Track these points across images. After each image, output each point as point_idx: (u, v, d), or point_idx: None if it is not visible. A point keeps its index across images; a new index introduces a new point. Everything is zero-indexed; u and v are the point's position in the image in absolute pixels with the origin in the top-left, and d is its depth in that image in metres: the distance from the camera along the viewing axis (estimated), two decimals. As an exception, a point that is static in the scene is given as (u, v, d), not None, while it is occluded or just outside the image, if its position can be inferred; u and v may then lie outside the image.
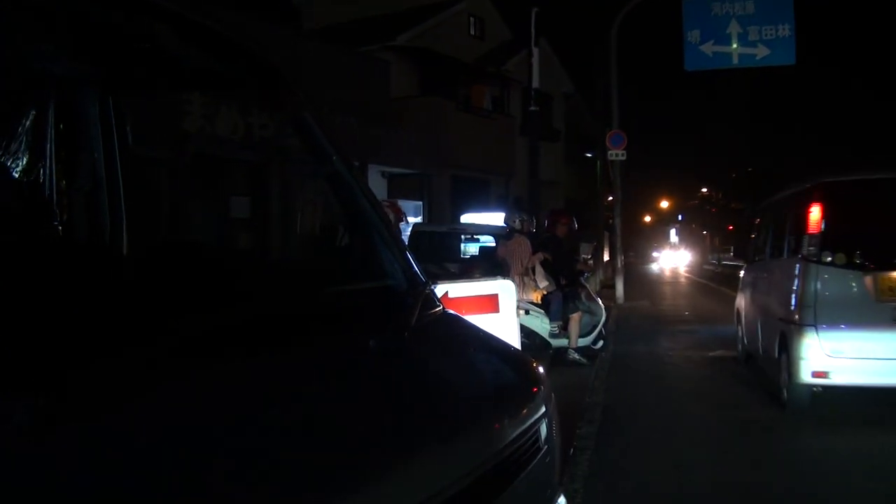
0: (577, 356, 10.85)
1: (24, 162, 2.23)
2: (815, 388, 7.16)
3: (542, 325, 10.68)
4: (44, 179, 2.27)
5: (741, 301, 10.54)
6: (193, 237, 2.25)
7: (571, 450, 6.24)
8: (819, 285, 7.00)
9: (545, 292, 10.83)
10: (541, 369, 2.30)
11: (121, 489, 1.14)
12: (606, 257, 29.77)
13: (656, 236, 51.11)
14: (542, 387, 2.16)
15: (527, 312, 8.82)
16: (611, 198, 26.85)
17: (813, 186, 7.53)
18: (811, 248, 7.21)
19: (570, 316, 10.82)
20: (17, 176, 2.22)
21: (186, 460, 1.25)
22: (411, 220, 16.64)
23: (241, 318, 1.73)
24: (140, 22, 2.17)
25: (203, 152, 2.34)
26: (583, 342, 11.01)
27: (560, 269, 11.21)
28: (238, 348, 1.61)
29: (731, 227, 49.62)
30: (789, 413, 7.49)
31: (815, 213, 7.23)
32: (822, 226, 7.12)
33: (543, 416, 2.04)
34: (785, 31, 19.09)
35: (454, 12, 28.48)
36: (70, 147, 2.31)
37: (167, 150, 2.48)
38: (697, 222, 59.34)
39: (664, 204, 70.57)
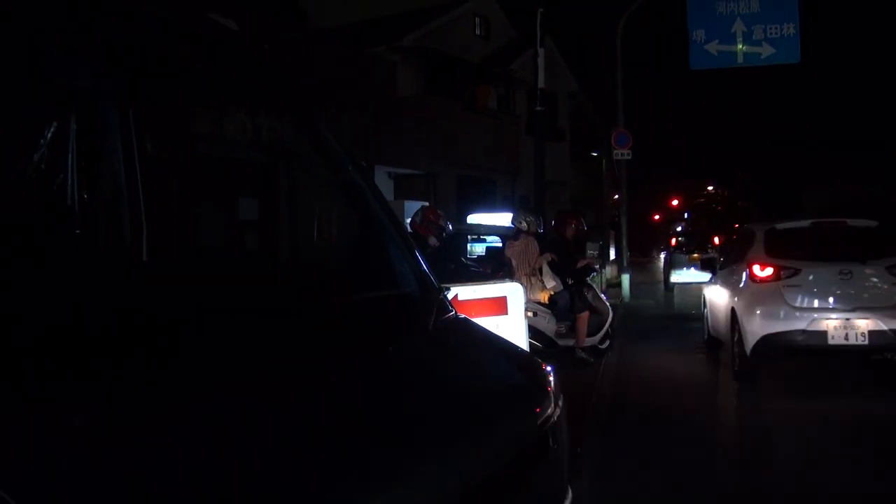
0: (584, 355, 10.89)
1: (47, 172, 2.29)
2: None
3: (548, 325, 10.72)
4: (65, 188, 2.33)
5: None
6: (211, 244, 2.30)
7: (578, 449, 6.28)
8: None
9: (552, 292, 10.87)
10: (550, 371, 2.35)
11: (168, 485, 1.20)
12: (612, 256, 29.76)
13: (664, 234, 50.96)
14: (552, 388, 2.22)
15: (534, 314, 8.87)
16: (616, 196, 26.87)
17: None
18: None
19: (577, 315, 10.85)
20: (39, 185, 2.28)
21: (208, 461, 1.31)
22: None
23: (262, 328, 1.78)
24: (159, 33, 2.23)
25: (220, 159, 2.40)
26: (589, 341, 11.05)
27: (567, 270, 11.24)
28: (259, 358, 1.66)
29: (736, 226, 49.52)
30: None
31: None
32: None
33: (553, 416, 2.09)
34: (790, 29, 19.05)
35: (460, 13, 28.47)
36: (91, 157, 2.37)
37: (185, 157, 2.53)
38: (704, 220, 59.24)
39: (674, 202, 70.43)
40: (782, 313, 9.39)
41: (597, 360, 11.08)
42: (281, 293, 2.03)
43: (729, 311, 10.49)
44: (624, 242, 24.64)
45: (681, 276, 25.24)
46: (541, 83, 17.17)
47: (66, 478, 1.15)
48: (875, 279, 9.43)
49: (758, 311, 9.60)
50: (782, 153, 50.75)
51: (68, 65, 2.21)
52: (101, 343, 1.52)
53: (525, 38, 24.10)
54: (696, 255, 24.65)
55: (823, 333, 9.13)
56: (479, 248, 14.68)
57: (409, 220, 9.63)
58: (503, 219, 14.97)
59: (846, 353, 9.42)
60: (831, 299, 9.33)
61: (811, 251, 9.84)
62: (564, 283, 11.06)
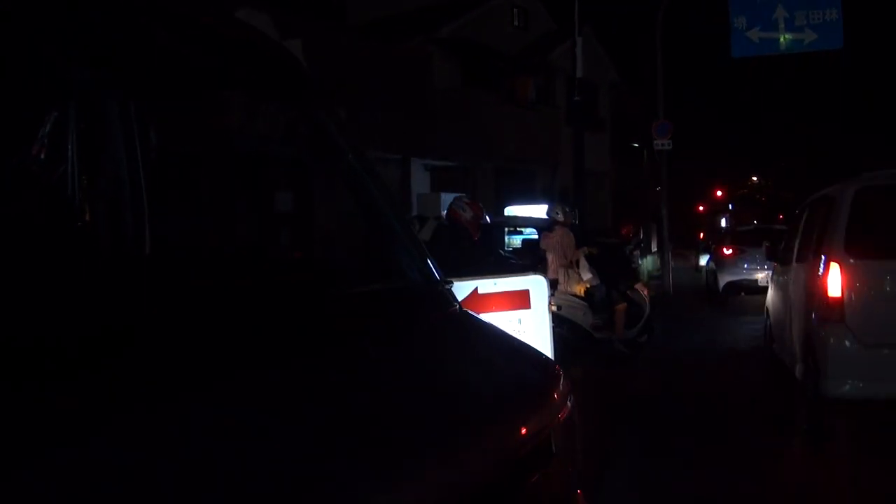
0: (622, 348, 10.76)
1: (48, 165, 2.26)
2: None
3: (585, 317, 10.59)
4: (67, 182, 2.30)
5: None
6: (211, 236, 2.26)
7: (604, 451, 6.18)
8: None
9: (589, 285, 10.74)
10: (559, 370, 2.26)
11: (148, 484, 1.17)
12: (654, 248, 29.49)
13: (709, 226, 50.46)
14: (558, 390, 2.12)
15: (558, 308, 8.66)
16: (658, 188, 26.60)
17: None
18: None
19: (615, 308, 10.72)
20: (41, 179, 2.26)
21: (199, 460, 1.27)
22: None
23: (260, 321, 1.73)
24: (157, 23, 2.18)
25: (222, 152, 2.35)
26: (628, 334, 10.91)
27: (613, 267, 11.18)
28: (256, 351, 1.61)
29: (780, 217, 48.96)
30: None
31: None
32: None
33: (557, 421, 2.00)
34: (832, 14, 18.70)
35: (497, 3, 28.31)
36: (92, 150, 2.34)
37: (188, 150, 2.49)
38: (748, 212, 58.56)
39: (718, 193, 69.75)
40: None
41: (635, 353, 10.94)
42: (281, 286, 1.97)
43: None
44: (665, 235, 24.32)
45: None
46: (579, 72, 17.05)
47: (60, 473, 1.13)
48: None
49: None
50: (827, 142, 49.85)
51: (68, 56, 2.18)
52: (101, 337, 1.48)
53: (564, 29, 23.98)
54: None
55: None
56: (515, 241, 14.59)
57: (444, 213, 9.48)
58: (540, 210, 14.86)
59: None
60: None
61: None
62: (602, 275, 10.93)
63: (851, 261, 6.58)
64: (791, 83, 51.15)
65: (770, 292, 10.32)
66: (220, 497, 1.23)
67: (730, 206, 64.92)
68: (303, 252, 2.28)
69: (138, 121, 2.34)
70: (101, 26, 2.09)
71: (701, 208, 67.96)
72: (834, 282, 6.56)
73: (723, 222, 49.54)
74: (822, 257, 6.81)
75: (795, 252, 8.47)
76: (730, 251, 20.06)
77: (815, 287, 6.95)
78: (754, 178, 69.97)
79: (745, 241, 18.92)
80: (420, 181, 22.47)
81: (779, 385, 8.59)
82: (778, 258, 9.80)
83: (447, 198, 19.69)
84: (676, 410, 7.88)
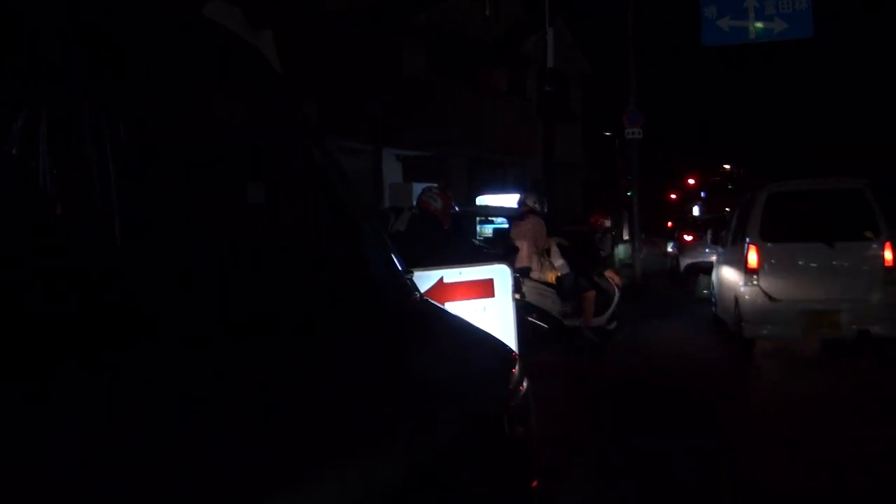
0: (591, 335, 10.89)
1: (19, 158, 2.30)
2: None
3: (554, 305, 10.71)
4: (37, 175, 2.34)
5: None
6: (178, 226, 2.31)
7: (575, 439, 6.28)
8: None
9: (559, 273, 10.85)
10: (515, 357, 2.34)
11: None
12: (626, 236, 29.68)
13: (680, 214, 50.78)
14: (512, 377, 2.20)
15: (522, 296, 8.82)
16: (629, 177, 26.76)
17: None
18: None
19: (584, 295, 10.84)
20: (11, 172, 2.30)
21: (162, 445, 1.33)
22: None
23: (222, 309, 1.80)
24: (129, 19, 2.24)
25: (189, 142, 2.41)
26: (596, 321, 11.04)
27: (581, 255, 11.29)
28: (220, 338, 1.68)
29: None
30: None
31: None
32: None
33: (511, 405, 2.08)
34: (802, 4, 18.86)
35: (469, -7, 28.27)
36: (62, 142, 2.39)
37: (159, 142, 2.55)
38: (720, 199, 59.00)
39: (691, 181, 70.14)
40: None
41: (604, 340, 11.08)
42: (243, 275, 2.03)
43: None
44: (636, 223, 24.50)
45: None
46: (550, 63, 17.16)
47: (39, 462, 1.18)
48: None
49: None
50: (797, 130, 50.30)
51: (39, 51, 2.22)
52: (74, 326, 1.54)
53: (535, 19, 24.00)
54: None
55: None
56: (487, 230, 14.67)
57: (414, 204, 9.51)
58: (512, 200, 14.96)
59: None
60: None
61: None
62: (572, 263, 11.04)
63: (764, 243, 9.94)
64: (762, 72, 51.48)
65: (715, 268, 13.26)
66: (188, 476, 1.29)
67: (702, 195, 65.36)
68: (267, 242, 2.35)
69: (108, 115, 2.39)
70: (69, 20, 2.14)
71: (673, 196, 68.35)
72: (752, 257, 9.87)
73: (695, 210, 49.89)
74: (746, 240, 10.11)
75: (730, 237, 11.92)
76: (690, 237, 23.85)
77: (740, 262, 10.16)
78: (726, 166, 70.46)
79: (706, 228, 20.44)
80: (392, 171, 22.48)
81: (721, 341, 11.54)
82: (719, 242, 13.29)
83: (419, 188, 19.70)
84: (641, 394, 8.01)
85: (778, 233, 10.03)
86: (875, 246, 9.62)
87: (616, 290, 11.51)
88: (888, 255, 9.51)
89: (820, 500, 5.02)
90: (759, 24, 19.20)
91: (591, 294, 10.88)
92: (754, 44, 20.28)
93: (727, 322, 11.26)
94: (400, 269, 2.32)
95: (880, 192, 9.96)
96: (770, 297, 9.71)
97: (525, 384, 2.25)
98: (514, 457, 2.09)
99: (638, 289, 19.71)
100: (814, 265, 9.84)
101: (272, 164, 2.55)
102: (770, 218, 10.00)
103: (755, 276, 9.81)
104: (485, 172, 26.17)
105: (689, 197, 64.27)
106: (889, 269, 9.48)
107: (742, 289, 9.99)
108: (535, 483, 2.28)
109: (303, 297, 2.02)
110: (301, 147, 2.36)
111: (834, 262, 9.71)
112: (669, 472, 5.57)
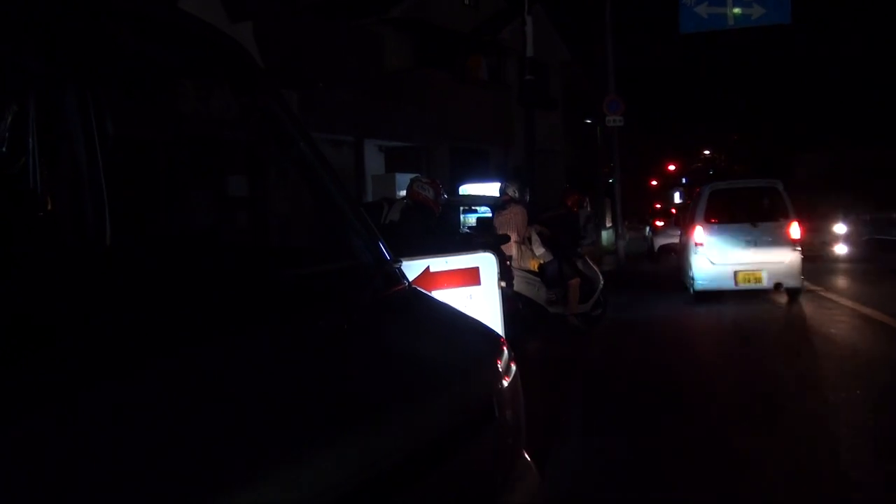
0: (576, 322, 10.97)
1: (8, 156, 2.33)
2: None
3: (539, 293, 10.79)
4: (27, 172, 2.37)
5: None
6: (166, 222, 2.35)
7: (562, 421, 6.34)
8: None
9: (542, 261, 10.92)
10: (503, 342, 2.39)
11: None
12: (609, 223, 29.83)
13: (662, 200, 51.01)
14: (501, 360, 2.25)
15: (506, 285, 8.93)
16: (611, 164, 26.91)
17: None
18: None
19: (568, 283, 10.92)
20: (2, 170, 2.32)
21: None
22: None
23: (211, 302, 1.84)
24: (112, 16, 2.26)
25: (175, 139, 2.44)
26: (581, 308, 11.12)
27: (564, 240, 11.32)
28: (215, 328, 1.72)
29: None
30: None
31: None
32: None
33: (500, 388, 2.13)
34: (780, -11, 18.99)
35: (448, -19, 28.20)
36: (51, 140, 2.41)
37: (145, 139, 2.57)
38: (701, 185, 59.27)
39: (672, 167, 70.40)
40: None
41: (588, 327, 11.16)
42: (232, 267, 2.07)
43: None
44: (619, 210, 24.68)
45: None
46: (529, 52, 17.15)
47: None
48: None
49: None
50: (778, 117, 50.55)
51: (26, 50, 2.24)
52: (62, 324, 1.56)
53: (514, 7, 23.98)
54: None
55: None
56: (470, 219, 14.69)
57: (403, 194, 9.51)
58: (495, 189, 15.00)
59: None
60: None
61: None
62: (555, 251, 11.11)
63: (707, 224, 14.11)
64: (742, 58, 51.66)
65: (678, 244, 18.48)
66: (191, 458, 1.34)
67: (683, 181, 65.61)
68: (257, 235, 2.38)
69: (95, 111, 2.41)
70: (54, 19, 2.16)
71: (654, 183, 68.58)
72: (699, 234, 14.05)
73: (676, 196, 50.09)
74: (695, 222, 14.30)
75: (686, 220, 16.78)
76: (661, 223, 30.53)
77: (691, 237, 14.36)
78: (707, 152, 70.75)
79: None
80: (374, 162, 22.45)
81: (686, 301, 14.71)
82: (679, 224, 19.24)
83: (402, 178, 19.70)
84: (620, 376, 8.11)
85: (717, 217, 14.24)
86: (784, 225, 13.81)
87: (600, 276, 11.58)
88: (793, 231, 13.75)
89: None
90: (737, 10, 19.30)
91: (576, 282, 10.96)
92: (734, 30, 20.42)
93: (685, 282, 15.13)
94: (388, 257, 2.37)
95: (786, 187, 14.51)
96: (711, 262, 13.82)
97: (513, 369, 2.30)
98: (505, 431, 2.14)
99: (622, 273, 20.76)
100: (742, 239, 13.83)
101: (257, 157, 2.58)
102: (712, 207, 14.31)
103: (701, 248, 13.94)
104: (467, 161, 26.18)
105: (670, 183, 64.53)
106: (793, 241, 13.70)
107: (693, 257, 14.13)
108: (523, 461, 2.34)
109: (293, 286, 2.06)
110: (286, 138, 2.40)
111: (756, 237, 13.81)
112: (652, 448, 5.67)
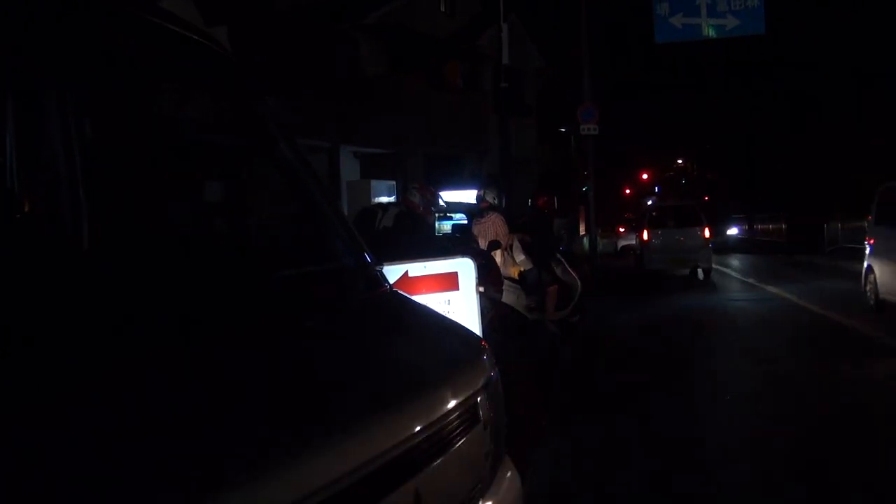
0: (554, 328, 11.00)
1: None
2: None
3: (518, 299, 10.80)
4: (4, 173, 2.33)
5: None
6: (147, 225, 2.32)
7: (544, 423, 6.37)
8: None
9: (522, 268, 10.93)
10: (484, 345, 2.40)
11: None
12: (583, 231, 29.99)
13: (636, 209, 51.40)
14: (482, 362, 2.25)
15: (485, 290, 8.93)
16: (585, 172, 27.04)
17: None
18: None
19: (546, 290, 10.94)
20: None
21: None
22: (384, 199, 16.59)
23: (194, 305, 1.82)
24: (92, 16, 2.24)
25: (157, 140, 2.42)
26: (560, 315, 11.15)
27: (541, 246, 11.33)
28: (190, 334, 1.70)
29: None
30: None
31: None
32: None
33: (483, 390, 2.13)
34: (754, 1, 19.18)
35: (424, -11, 28.22)
36: (29, 141, 2.38)
37: (125, 140, 2.55)
38: (674, 193, 59.69)
39: (645, 176, 70.92)
40: None
41: (567, 333, 11.19)
42: (214, 270, 2.06)
43: None
44: (593, 218, 24.82)
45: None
46: (505, 59, 17.20)
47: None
48: None
49: None
50: (751, 125, 51.03)
51: (4, 48, 2.22)
52: (39, 330, 1.55)
53: (490, 14, 24.05)
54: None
55: None
56: (445, 226, 14.70)
57: (381, 199, 9.53)
58: (470, 196, 15.00)
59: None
60: None
61: None
62: (534, 258, 11.12)
63: (651, 229, 23.65)
64: (714, 69, 52.14)
65: (634, 245, 29.03)
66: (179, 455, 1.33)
67: (656, 189, 66.07)
68: (239, 239, 2.37)
69: (74, 112, 2.39)
70: (34, 17, 2.14)
71: (628, 191, 69.02)
72: (646, 235, 23.53)
73: (649, 205, 50.57)
74: (643, 227, 24.06)
75: (638, 226, 26.46)
76: (623, 229, 40.94)
77: (641, 237, 24.17)
78: (679, 161, 71.35)
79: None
80: (349, 169, 22.41)
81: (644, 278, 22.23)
82: (634, 229, 29.61)
83: (377, 185, 19.67)
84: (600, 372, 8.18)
85: (656, 224, 23.71)
86: (699, 230, 22.84)
87: (578, 283, 11.62)
88: (705, 233, 22.89)
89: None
90: (711, 21, 19.49)
91: (554, 288, 11.00)
92: (708, 41, 20.61)
93: (642, 265, 23.81)
94: (369, 260, 2.36)
95: (704, 206, 26.34)
96: (654, 252, 22.87)
97: (494, 370, 2.30)
98: (488, 433, 2.14)
99: (596, 267, 24.11)
100: (673, 238, 22.87)
101: (238, 160, 2.57)
102: (653, 218, 24.25)
103: (647, 244, 23.21)
104: (442, 168, 26.20)
105: (644, 192, 64.98)
106: (706, 239, 22.84)
107: (641, 250, 23.79)
108: (504, 463, 2.34)
109: (278, 291, 2.05)
110: (267, 140, 2.38)
111: (682, 237, 22.87)
112: (625, 446, 5.74)
